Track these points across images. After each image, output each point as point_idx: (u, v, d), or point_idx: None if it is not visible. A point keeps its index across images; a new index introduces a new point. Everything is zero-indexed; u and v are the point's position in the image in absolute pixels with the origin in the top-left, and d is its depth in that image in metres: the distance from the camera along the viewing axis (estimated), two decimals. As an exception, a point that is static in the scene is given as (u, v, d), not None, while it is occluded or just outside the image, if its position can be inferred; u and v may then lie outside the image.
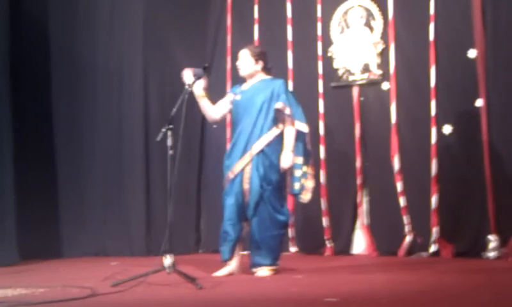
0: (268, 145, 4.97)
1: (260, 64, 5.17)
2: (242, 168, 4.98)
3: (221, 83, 7.36)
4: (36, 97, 6.97)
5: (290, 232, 6.98)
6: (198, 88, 5.07)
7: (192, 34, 7.61)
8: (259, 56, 5.18)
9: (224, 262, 5.07)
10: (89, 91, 7.29)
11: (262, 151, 4.96)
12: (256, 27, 7.42)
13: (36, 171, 6.76)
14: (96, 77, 7.31)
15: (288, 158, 4.94)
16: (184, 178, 6.88)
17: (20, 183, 6.33)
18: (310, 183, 5.11)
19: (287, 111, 4.99)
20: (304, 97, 6.99)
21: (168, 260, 4.39)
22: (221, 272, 4.99)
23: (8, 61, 6.32)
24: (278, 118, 5.01)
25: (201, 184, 7.55)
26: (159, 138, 4.63)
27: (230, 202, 5.01)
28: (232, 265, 5.04)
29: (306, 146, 5.12)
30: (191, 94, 4.91)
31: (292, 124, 5.01)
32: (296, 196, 5.15)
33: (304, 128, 5.08)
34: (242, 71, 5.18)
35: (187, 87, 4.82)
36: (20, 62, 6.68)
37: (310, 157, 5.17)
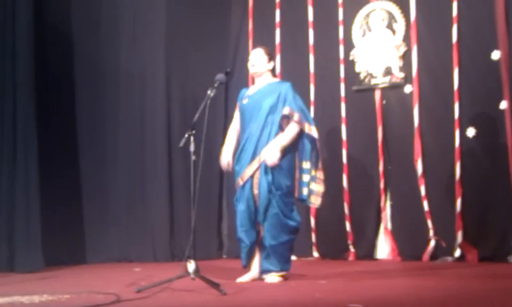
0: None
1: (272, 64, 5.16)
2: (251, 174, 4.94)
3: (243, 88, 7.36)
4: (60, 104, 7.03)
5: (313, 237, 6.98)
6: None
7: (214, 39, 7.63)
8: (271, 56, 5.19)
9: (244, 268, 5.08)
10: (112, 98, 7.34)
11: None
12: (277, 31, 7.42)
13: (60, 178, 6.80)
14: (119, 83, 7.36)
15: (273, 153, 4.81)
16: (206, 184, 6.89)
17: (45, 190, 6.37)
18: (319, 188, 5.02)
19: (295, 117, 4.92)
20: (326, 101, 7.07)
21: (192, 266, 4.39)
22: (245, 278, 4.98)
23: (32, 68, 6.37)
24: (283, 122, 4.95)
25: (223, 189, 7.56)
26: (181, 144, 4.62)
27: (241, 208, 4.99)
28: (254, 271, 5.03)
29: (316, 150, 5.05)
30: (213, 100, 4.91)
31: (303, 127, 4.94)
32: (304, 201, 5.05)
33: (315, 132, 5.01)
34: (255, 69, 5.13)
35: (209, 92, 4.82)
36: (44, 70, 6.74)
37: (318, 161, 5.07)
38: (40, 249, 6.19)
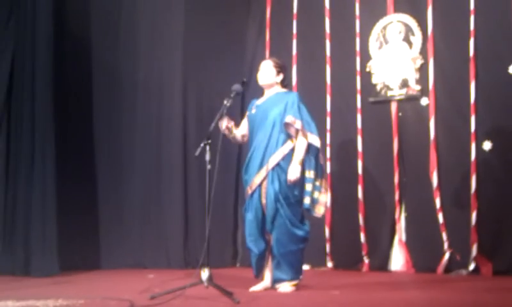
0: (284, 159, 4.93)
1: (281, 76, 5.17)
2: (259, 183, 4.95)
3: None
4: (78, 113, 7.13)
5: (328, 247, 6.97)
6: (225, 128, 5.00)
7: (231, 49, 7.67)
8: (281, 69, 5.19)
9: (256, 278, 5.08)
10: (129, 107, 7.42)
11: (278, 165, 4.92)
12: (294, 42, 7.44)
13: (77, 184, 6.88)
14: (136, 93, 7.44)
15: (295, 170, 4.85)
16: (221, 192, 6.90)
17: (61, 196, 6.45)
18: (323, 197, 5.02)
19: (297, 125, 4.92)
20: (342, 112, 7.07)
21: (205, 274, 4.41)
22: (257, 287, 4.99)
23: (51, 76, 6.47)
24: (288, 131, 4.97)
25: (238, 198, 7.57)
26: (197, 153, 4.67)
27: (249, 217, 5.00)
28: (267, 280, 5.04)
29: (318, 159, 5.05)
30: (229, 109, 4.94)
31: (305, 136, 4.95)
32: (307, 210, 5.01)
33: (317, 141, 5.01)
34: (262, 81, 5.16)
35: (225, 102, 4.86)
36: (62, 78, 6.82)
37: (322, 170, 5.08)
38: (56, 254, 6.25)
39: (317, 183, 5.01)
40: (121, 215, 7.23)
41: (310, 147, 4.99)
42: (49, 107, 6.43)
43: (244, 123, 5.30)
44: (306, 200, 4.95)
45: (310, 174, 4.97)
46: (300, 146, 4.94)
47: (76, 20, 7.17)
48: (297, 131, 4.95)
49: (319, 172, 5.04)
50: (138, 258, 7.17)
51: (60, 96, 6.69)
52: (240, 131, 5.29)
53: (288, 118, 4.95)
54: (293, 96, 5.09)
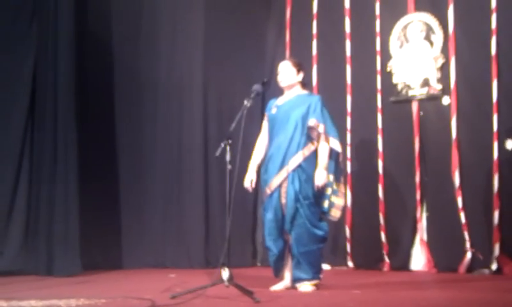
0: (305, 160, 4.93)
1: (301, 75, 5.15)
2: (279, 183, 4.95)
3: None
4: (100, 113, 7.18)
5: (348, 247, 6.96)
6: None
7: (251, 49, 7.69)
8: (300, 67, 5.17)
9: (276, 278, 5.09)
10: (151, 107, 7.47)
11: (299, 165, 4.91)
12: (315, 42, 7.43)
13: (99, 184, 6.91)
14: (157, 92, 7.48)
15: (322, 175, 4.88)
16: (241, 191, 6.91)
17: (83, 196, 6.49)
18: (340, 201, 5.04)
19: (320, 129, 4.94)
20: (362, 112, 7.05)
21: (226, 273, 4.42)
22: (278, 286, 5.00)
23: (72, 79, 6.53)
24: (311, 134, 4.97)
25: (257, 198, 7.58)
26: (217, 153, 4.68)
27: (269, 217, 5.00)
28: (287, 280, 5.04)
29: (339, 164, 5.08)
30: (250, 109, 4.94)
31: (327, 141, 4.97)
32: (324, 214, 5.03)
33: (338, 146, 5.03)
34: (284, 82, 5.14)
35: (245, 103, 4.87)
36: (84, 80, 6.89)
37: (341, 174, 5.12)
38: (78, 254, 6.30)
39: (335, 187, 5.03)
40: (142, 215, 7.28)
41: (331, 151, 5.01)
42: (71, 108, 6.48)
43: (265, 128, 5.28)
44: (325, 204, 4.98)
45: (329, 178, 5.00)
46: (324, 151, 4.95)
47: (97, 20, 7.23)
48: (319, 134, 4.96)
49: (337, 176, 5.07)
50: (159, 258, 7.21)
51: (82, 96, 6.75)
52: (263, 140, 5.28)
53: (312, 121, 4.96)
54: (316, 99, 5.08)
